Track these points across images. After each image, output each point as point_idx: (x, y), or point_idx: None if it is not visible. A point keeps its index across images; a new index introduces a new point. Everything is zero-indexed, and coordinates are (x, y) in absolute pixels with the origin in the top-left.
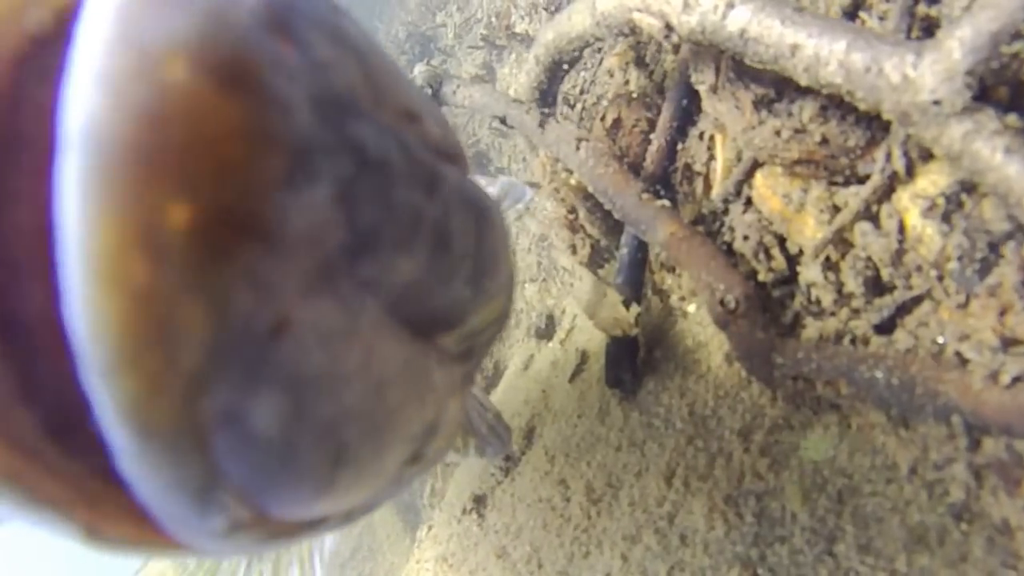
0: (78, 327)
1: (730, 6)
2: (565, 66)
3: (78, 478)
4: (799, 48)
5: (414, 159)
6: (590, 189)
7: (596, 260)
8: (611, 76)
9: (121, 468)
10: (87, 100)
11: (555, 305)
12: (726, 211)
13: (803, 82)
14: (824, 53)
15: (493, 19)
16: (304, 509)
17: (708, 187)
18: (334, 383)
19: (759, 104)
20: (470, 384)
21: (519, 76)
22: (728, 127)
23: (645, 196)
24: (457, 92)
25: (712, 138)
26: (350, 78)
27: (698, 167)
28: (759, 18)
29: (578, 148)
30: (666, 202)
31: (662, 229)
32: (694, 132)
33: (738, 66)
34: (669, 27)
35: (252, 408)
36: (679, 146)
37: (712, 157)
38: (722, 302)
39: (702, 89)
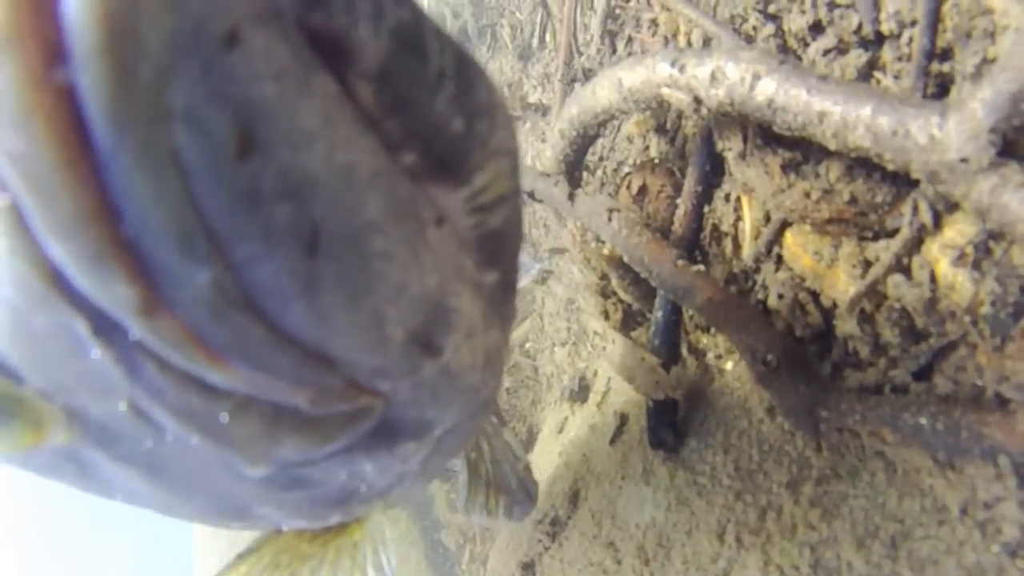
0: (71, 26)
1: (757, 78)
2: (590, 139)
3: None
4: (826, 115)
5: None
6: (625, 259)
7: (629, 324)
8: (630, 142)
9: (107, 176)
10: None
11: (587, 368)
12: (758, 270)
13: (832, 147)
14: (851, 118)
15: (507, 89)
16: (288, 305)
17: (737, 247)
18: (289, 126)
19: (787, 168)
20: (506, 308)
21: (544, 150)
22: (757, 191)
23: (680, 263)
24: None
25: (738, 199)
26: None
27: (726, 228)
28: (785, 88)
29: (610, 219)
30: (701, 267)
31: (700, 294)
32: (719, 194)
33: (764, 132)
34: (698, 100)
35: (210, 115)
36: (705, 208)
37: (739, 218)
38: (764, 361)
39: (730, 156)
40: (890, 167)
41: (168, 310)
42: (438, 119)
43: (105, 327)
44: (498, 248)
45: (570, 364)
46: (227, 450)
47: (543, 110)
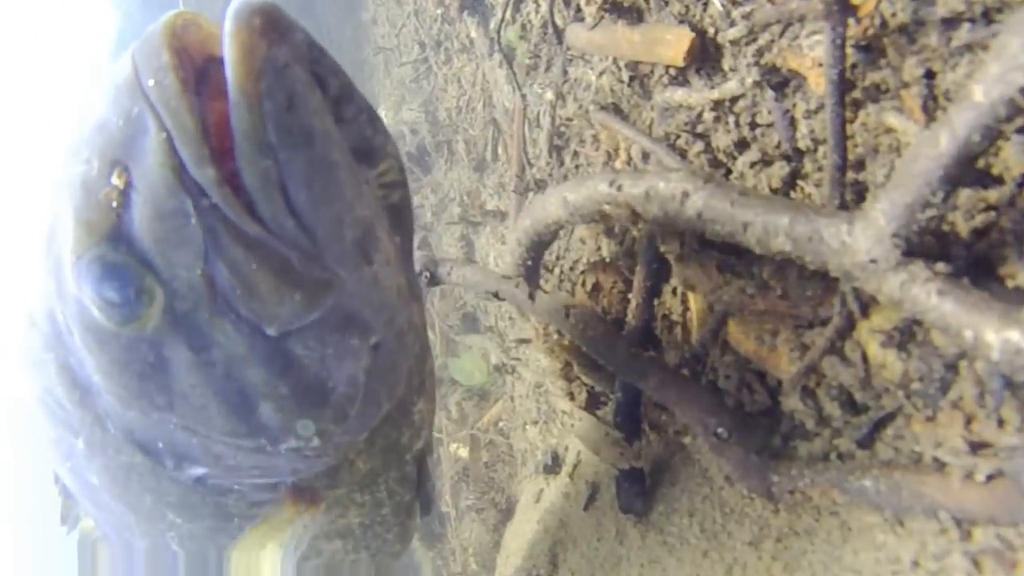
0: (232, 91)
1: (686, 195)
2: (544, 244)
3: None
4: (750, 225)
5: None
6: (583, 349)
7: (593, 404)
8: (584, 243)
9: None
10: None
11: (558, 444)
12: (707, 354)
13: (757, 251)
14: (771, 227)
15: (465, 198)
16: (300, 191)
17: (687, 333)
18: (311, 107)
19: (722, 267)
20: (407, 268)
21: (504, 254)
22: (697, 288)
23: (633, 350)
24: (452, 273)
25: (685, 293)
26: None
27: (675, 317)
28: (711, 203)
29: (568, 315)
30: (653, 353)
31: (653, 378)
32: (667, 288)
33: (700, 236)
34: (635, 214)
35: (282, 114)
36: (656, 301)
37: (687, 308)
38: (715, 433)
39: (671, 257)
40: (811, 267)
41: (228, 185)
42: (360, 131)
43: (200, 205)
44: (398, 220)
45: (542, 440)
46: (255, 301)
47: (500, 216)
